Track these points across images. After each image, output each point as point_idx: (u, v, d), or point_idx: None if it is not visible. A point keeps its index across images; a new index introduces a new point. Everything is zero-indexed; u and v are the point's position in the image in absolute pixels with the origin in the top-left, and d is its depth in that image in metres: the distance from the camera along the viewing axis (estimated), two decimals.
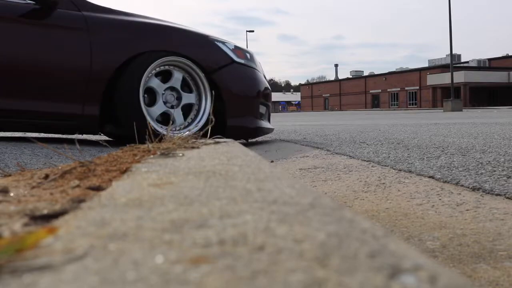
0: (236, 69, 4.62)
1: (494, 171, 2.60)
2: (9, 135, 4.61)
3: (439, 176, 2.56)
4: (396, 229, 1.81)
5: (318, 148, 4.56)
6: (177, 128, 4.26)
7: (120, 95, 4.13)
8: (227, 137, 3.72)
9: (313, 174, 3.13)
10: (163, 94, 4.33)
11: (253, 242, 0.56)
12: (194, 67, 4.38)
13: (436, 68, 61.36)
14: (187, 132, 2.09)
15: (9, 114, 3.98)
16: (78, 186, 1.05)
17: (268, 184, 0.96)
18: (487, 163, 2.87)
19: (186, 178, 1.07)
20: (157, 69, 4.30)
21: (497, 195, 2.09)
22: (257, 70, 4.99)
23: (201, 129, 4.15)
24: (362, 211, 2.12)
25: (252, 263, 0.49)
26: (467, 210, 1.93)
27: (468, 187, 2.27)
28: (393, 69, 75.79)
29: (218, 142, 1.99)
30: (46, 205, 0.86)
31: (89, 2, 4.25)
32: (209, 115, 4.33)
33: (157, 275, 0.47)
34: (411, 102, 63.73)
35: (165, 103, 4.31)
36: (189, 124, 4.35)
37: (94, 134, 4.67)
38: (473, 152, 3.52)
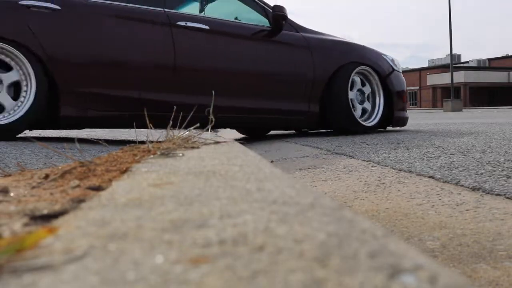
0: (395, 75, 6.22)
1: (494, 171, 2.60)
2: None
3: (439, 176, 2.56)
4: (396, 229, 1.81)
5: (318, 148, 4.56)
6: (363, 119, 5.97)
7: (333, 93, 5.61)
8: (392, 126, 6.43)
9: (313, 174, 3.13)
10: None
11: (253, 242, 0.56)
12: (373, 73, 5.96)
13: (436, 68, 61.38)
14: (187, 132, 2.09)
15: (262, 112, 5.39)
16: (78, 186, 1.05)
17: (268, 184, 0.96)
18: (487, 163, 2.87)
19: (186, 178, 1.07)
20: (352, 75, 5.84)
21: (497, 195, 2.09)
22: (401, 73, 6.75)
23: (379, 121, 6.04)
24: (362, 211, 2.12)
25: (252, 263, 0.49)
26: (467, 210, 1.93)
27: (468, 187, 2.27)
28: None
29: (218, 142, 1.99)
30: (46, 205, 0.86)
31: (302, 26, 5.85)
32: (383, 110, 6.02)
33: (157, 275, 0.47)
34: (411, 102, 63.72)
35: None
36: (369, 117, 6.05)
37: (314, 129, 6.45)
38: (473, 152, 3.52)
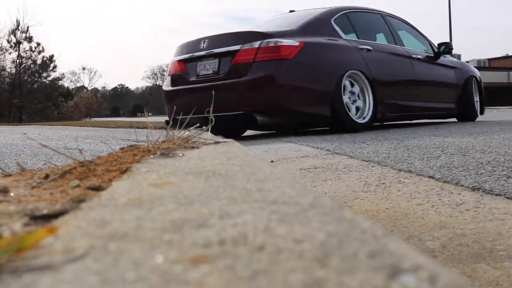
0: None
1: (494, 171, 2.60)
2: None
3: (439, 176, 2.56)
4: (396, 229, 1.81)
5: (318, 148, 4.56)
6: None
7: (465, 96, 8.80)
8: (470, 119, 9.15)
9: (313, 174, 3.13)
10: None
11: (253, 242, 0.56)
12: (478, 80, 9.55)
13: None
14: (187, 132, 2.09)
15: (434, 110, 8.42)
16: (78, 186, 1.05)
17: (268, 184, 0.96)
18: (487, 163, 2.87)
19: (186, 178, 1.07)
20: None
21: (497, 195, 2.09)
22: None
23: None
24: (362, 211, 2.12)
25: (252, 263, 0.49)
26: (467, 210, 1.93)
27: (468, 187, 2.27)
28: None
29: (218, 142, 1.99)
30: (46, 205, 0.86)
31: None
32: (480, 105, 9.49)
33: (157, 275, 0.47)
34: None
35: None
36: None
37: (455, 119, 9.31)
38: (473, 152, 3.52)
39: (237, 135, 6.79)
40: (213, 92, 2.85)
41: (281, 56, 5.40)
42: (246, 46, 5.43)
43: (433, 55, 8.55)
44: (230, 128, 6.51)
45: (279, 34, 5.66)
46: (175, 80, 6.44)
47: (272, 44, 5.43)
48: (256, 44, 5.46)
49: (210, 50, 5.84)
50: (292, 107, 5.71)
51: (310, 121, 6.45)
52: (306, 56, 5.70)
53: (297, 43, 5.56)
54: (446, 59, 8.75)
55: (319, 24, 6.35)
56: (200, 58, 6.07)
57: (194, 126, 2.16)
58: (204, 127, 2.13)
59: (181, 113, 2.37)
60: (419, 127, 7.70)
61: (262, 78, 5.36)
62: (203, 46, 5.97)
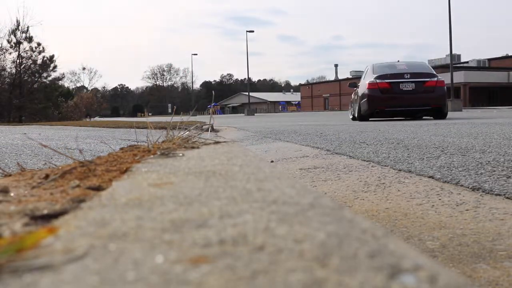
0: None
1: (494, 171, 2.60)
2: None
3: (439, 176, 2.56)
4: (396, 229, 1.81)
5: (318, 148, 4.56)
6: None
7: None
8: None
9: (313, 174, 3.13)
10: None
11: (253, 242, 0.56)
12: None
13: (436, 68, 61.33)
14: (187, 132, 2.09)
15: None
16: (78, 186, 1.05)
17: (268, 184, 0.96)
18: (486, 163, 2.87)
19: (186, 178, 1.07)
20: None
21: (496, 195, 2.09)
22: None
23: None
24: (362, 211, 2.12)
25: (252, 263, 0.49)
26: (467, 210, 1.93)
27: (468, 187, 2.27)
28: None
29: (218, 142, 1.99)
30: (46, 205, 0.86)
31: None
32: None
33: (157, 275, 0.47)
34: None
35: None
36: None
37: None
38: (472, 152, 3.52)
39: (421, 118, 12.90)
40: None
41: (441, 84, 12.65)
42: (431, 79, 12.46)
43: None
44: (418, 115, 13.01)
45: (435, 75, 12.87)
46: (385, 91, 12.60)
47: (440, 79, 12.66)
48: (435, 78, 12.68)
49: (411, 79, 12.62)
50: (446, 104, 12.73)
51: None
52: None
53: (443, 79, 12.85)
54: None
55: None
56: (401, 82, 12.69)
57: (194, 126, 2.16)
58: (204, 127, 2.13)
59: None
60: (419, 127, 7.70)
61: (441, 93, 12.56)
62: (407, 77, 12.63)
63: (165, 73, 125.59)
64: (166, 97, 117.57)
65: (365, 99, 12.24)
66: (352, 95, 14.77)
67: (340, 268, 0.47)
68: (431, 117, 12.53)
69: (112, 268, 0.49)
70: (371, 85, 12.19)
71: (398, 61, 14.38)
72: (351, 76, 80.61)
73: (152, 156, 1.53)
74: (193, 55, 75.43)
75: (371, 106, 12.08)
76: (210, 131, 2.40)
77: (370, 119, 12.32)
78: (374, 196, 2.37)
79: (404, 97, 12.04)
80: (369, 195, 2.39)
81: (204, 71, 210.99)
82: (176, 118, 2.43)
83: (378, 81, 12.12)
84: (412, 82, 12.13)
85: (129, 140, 5.76)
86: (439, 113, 12.26)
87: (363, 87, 12.60)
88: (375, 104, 12.05)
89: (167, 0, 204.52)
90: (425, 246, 1.60)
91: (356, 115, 13.05)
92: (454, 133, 5.88)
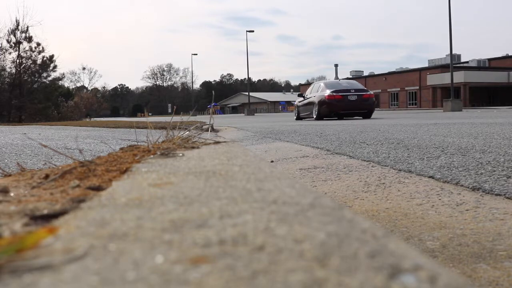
0: None
1: (494, 171, 2.60)
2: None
3: (439, 176, 2.56)
4: (396, 229, 1.81)
5: (318, 148, 4.56)
6: None
7: None
8: None
9: (313, 174, 3.13)
10: None
11: (253, 242, 0.56)
12: None
13: (436, 68, 61.29)
14: (187, 132, 2.10)
15: None
16: (78, 186, 1.05)
17: (268, 184, 0.96)
18: (487, 163, 2.87)
19: (186, 178, 1.07)
20: None
21: (497, 195, 2.09)
22: None
23: None
24: (362, 211, 2.12)
25: (252, 263, 0.49)
26: (467, 210, 1.93)
27: (468, 187, 2.27)
28: (393, 69, 75.70)
29: (218, 142, 1.99)
30: (46, 205, 0.86)
31: None
32: None
33: (157, 275, 0.47)
34: (411, 102, 63.66)
35: None
36: None
37: None
38: (473, 152, 3.52)
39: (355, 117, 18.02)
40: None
41: (372, 96, 18.37)
42: (366, 93, 18.18)
43: None
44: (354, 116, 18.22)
45: (367, 90, 18.91)
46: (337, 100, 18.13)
47: (371, 93, 18.87)
48: (368, 92, 18.46)
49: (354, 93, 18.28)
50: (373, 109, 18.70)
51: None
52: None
53: (372, 93, 18.73)
54: None
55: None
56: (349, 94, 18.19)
57: (194, 126, 2.16)
58: (204, 127, 2.13)
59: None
60: (419, 127, 7.70)
61: (371, 100, 18.16)
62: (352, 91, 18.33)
63: (165, 73, 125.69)
64: (166, 97, 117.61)
65: (325, 105, 18.04)
66: (296, 102, 21.58)
67: (340, 268, 0.47)
68: (361, 117, 18.35)
69: (112, 268, 0.49)
70: (330, 96, 18.02)
71: (339, 80, 21.18)
72: (351, 76, 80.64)
73: (152, 156, 1.53)
74: (193, 55, 75.44)
75: (331, 110, 17.96)
76: (210, 131, 2.40)
77: (324, 118, 18.14)
78: (374, 196, 2.37)
79: (350, 104, 18.02)
80: (369, 195, 2.39)
81: (204, 71, 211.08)
82: (176, 118, 2.43)
83: (334, 94, 18.04)
84: (355, 94, 18.14)
85: (129, 140, 5.76)
86: (370, 114, 18.26)
87: (321, 97, 18.27)
88: (333, 109, 17.93)
89: (167, 0, 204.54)
90: (425, 246, 1.60)
91: (315, 116, 18.52)
92: (454, 133, 5.88)
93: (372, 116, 18.49)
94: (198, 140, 2.03)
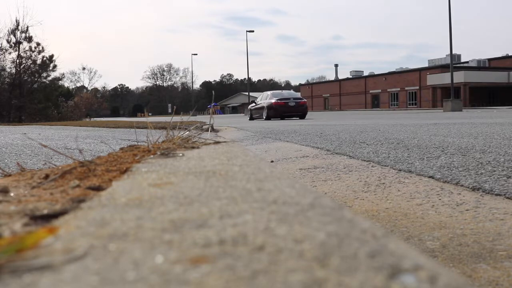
0: None
1: (494, 171, 2.60)
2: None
3: (439, 176, 2.56)
4: (396, 229, 1.81)
5: (318, 148, 4.56)
6: None
7: None
8: None
9: (313, 174, 3.13)
10: None
11: (253, 242, 0.56)
12: None
13: (436, 68, 61.29)
14: (187, 132, 2.10)
15: None
16: (78, 186, 1.05)
17: (268, 184, 0.96)
18: (487, 163, 2.87)
19: (186, 178, 1.07)
20: None
21: (497, 195, 2.09)
22: None
23: None
24: (362, 211, 2.12)
25: (252, 263, 0.49)
26: (467, 210, 1.93)
27: (468, 187, 2.27)
28: (393, 69, 75.68)
29: (218, 142, 1.99)
30: (46, 205, 0.86)
31: None
32: None
33: (157, 275, 0.47)
34: (411, 102, 63.68)
35: None
36: None
37: None
38: (473, 152, 3.52)
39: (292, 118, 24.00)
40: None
41: (305, 102, 25.07)
42: (301, 100, 24.97)
43: None
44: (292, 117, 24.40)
45: (302, 98, 26.34)
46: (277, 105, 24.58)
47: (305, 100, 25.44)
48: (303, 100, 25.38)
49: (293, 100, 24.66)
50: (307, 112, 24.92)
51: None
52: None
53: (306, 100, 25.96)
54: None
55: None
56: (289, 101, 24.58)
57: (194, 126, 2.16)
58: (204, 127, 2.14)
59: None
60: (419, 127, 7.70)
61: (304, 106, 24.64)
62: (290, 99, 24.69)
63: (165, 73, 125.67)
64: (166, 97, 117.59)
65: (272, 109, 23.88)
66: (250, 107, 27.96)
67: (340, 268, 0.47)
68: (298, 117, 24.12)
69: (112, 268, 0.49)
70: (275, 103, 23.93)
71: (282, 91, 26.38)
72: (351, 76, 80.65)
73: (152, 156, 1.53)
74: (193, 55, 75.47)
75: (276, 113, 23.71)
76: (210, 131, 2.40)
77: (271, 119, 23.46)
78: (374, 196, 2.37)
79: (290, 109, 23.84)
80: (369, 195, 2.39)
81: (204, 71, 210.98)
82: (176, 118, 2.43)
83: (279, 101, 23.96)
84: (294, 102, 24.17)
85: (129, 140, 5.76)
86: (304, 115, 24.11)
87: (269, 103, 24.17)
88: (278, 112, 23.68)
89: (167, 0, 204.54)
90: (425, 246, 1.60)
91: (264, 117, 24.18)
92: (454, 133, 5.88)
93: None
94: (198, 140, 2.03)
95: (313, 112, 50.88)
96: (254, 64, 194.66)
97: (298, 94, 28.24)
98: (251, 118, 26.40)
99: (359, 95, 74.67)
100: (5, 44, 27.51)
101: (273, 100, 23.96)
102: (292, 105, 24.02)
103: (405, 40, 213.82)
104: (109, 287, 0.45)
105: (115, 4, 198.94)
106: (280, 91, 26.73)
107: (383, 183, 2.58)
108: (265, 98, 25.35)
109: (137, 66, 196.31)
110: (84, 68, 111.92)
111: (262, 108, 24.82)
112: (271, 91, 26.31)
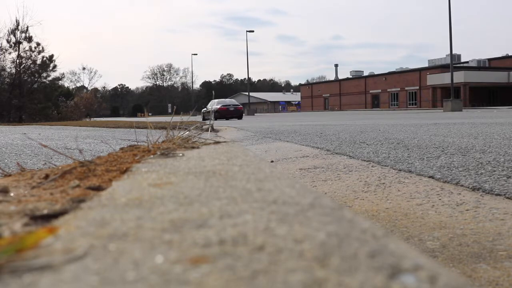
0: None
1: (494, 171, 2.60)
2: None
3: (439, 176, 2.56)
4: (396, 229, 1.81)
5: (318, 148, 4.56)
6: None
7: None
8: None
9: (313, 174, 3.13)
10: None
11: (253, 242, 0.56)
12: None
13: (436, 68, 61.27)
14: (187, 132, 2.10)
15: None
16: (78, 186, 1.05)
17: (268, 184, 0.96)
18: (487, 163, 2.87)
19: (186, 178, 1.07)
20: None
21: (497, 195, 2.09)
22: None
23: None
24: (362, 211, 2.12)
25: (252, 263, 0.49)
26: (467, 210, 1.93)
27: (468, 187, 2.27)
28: (393, 69, 75.65)
29: (218, 142, 1.99)
30: (46, 205, 0.86)
31: None
32: None
33: (157, 275, 0.47)
34: (411, 102, 63.67)
35: None
36: None
37: None
38: (473, 152, 3.52)
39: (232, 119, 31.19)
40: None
41: (241, 108, 34.45)
42: (238, 106, 34.43)
43: None
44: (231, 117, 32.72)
45: (239, 104, 35.99)
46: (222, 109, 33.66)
47: (241, 106, 34.95)
48: (240, 105, 35.03)
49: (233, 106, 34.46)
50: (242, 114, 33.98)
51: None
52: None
53: (241, 106, 35.48)
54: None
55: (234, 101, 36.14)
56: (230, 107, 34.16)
57: (194, 126, 2.16)
58: (204, 127, 2.14)
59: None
60: (419, 127, 7.70)
61: (241, 110, 33.99)
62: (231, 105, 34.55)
63: (165, 73, 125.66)
64: (166, 97, 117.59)
65: (218, 113, 31.13)
66: (203, 111, 36.02)
67: (340, 268, 0.47)
68: (237, 118, 31.26)
69: (112, 268, 0.49)
70: (220, 108, 31.89)
71: (225, 99, 35.54)
72: (351, 76, 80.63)
73: (152, 156, 1.53)
74: (193, 55, 75.47)
75: (221, 115, 31.00)
76: (210, 131, 2.40)
77: (217, 120, 28.64)
78: (374, 196, 2.37)
79: (230, 112, 31.67)
80: (369, 195, 2.39)
81: (204, 71, 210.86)
82: (176, 118, 2.43)
83: (223, 107, 32.09)
84: (233, 107, 32.31)
85: (129, 140, 5.76)
86: (241, 117, 31.28)
87: (216, 108, 31.54)
88: (222, 114, 31.10)
89: (167, 0, 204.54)
90: (425, 246, 1.60)
91: (212, 118, 28.17)
92: (454, 133, 5.88)
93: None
94: (198, 140, 2.03)
95: (313, 112, 50.76)
96: (254, 64, 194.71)
97: (236, 102, 36.85)
98: (204, 119, 33.09)
99: (359, 95, 74.64)
100: (5, 44, 27.52)
101: (218, 106, 32.90)
102: (232, 109, 33.06)
103: (405, 40, 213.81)
104: (109, 287, 0.45)
105: (115, 4, 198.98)
106: (224, 99, 37.51)
107: (383, 183, 2.58)
108: (213, 104, 34.14)
109: (137, 66, 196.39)
110: (84, 68, 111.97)
111: (210, 112, 32.95)
112: (217, 99, 36.24)
